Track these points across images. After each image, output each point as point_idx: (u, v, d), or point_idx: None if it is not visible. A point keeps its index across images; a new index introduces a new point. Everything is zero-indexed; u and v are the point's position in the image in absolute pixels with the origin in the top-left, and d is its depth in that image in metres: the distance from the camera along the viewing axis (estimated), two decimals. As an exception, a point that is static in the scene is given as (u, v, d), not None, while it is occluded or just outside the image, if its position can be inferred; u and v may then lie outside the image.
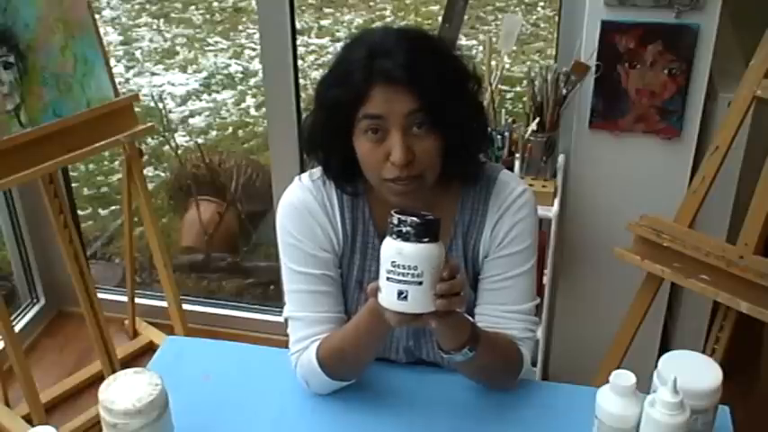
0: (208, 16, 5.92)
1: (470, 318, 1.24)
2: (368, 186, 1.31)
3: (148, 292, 2.87)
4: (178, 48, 5.47)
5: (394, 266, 1.04)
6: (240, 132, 4.51)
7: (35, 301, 2.84)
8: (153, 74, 5.16)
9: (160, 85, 4.97)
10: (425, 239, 1.04)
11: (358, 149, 1.21)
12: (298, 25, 3.30)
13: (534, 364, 2.22)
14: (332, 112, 1.21)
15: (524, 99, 2.18)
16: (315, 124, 1.26)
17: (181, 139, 4.37)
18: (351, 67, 1.17)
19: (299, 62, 2.66)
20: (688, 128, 2.01)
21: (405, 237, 1.04)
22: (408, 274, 1.04)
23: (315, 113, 1.25)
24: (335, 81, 1.20)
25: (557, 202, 2.03)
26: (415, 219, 1.04)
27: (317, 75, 4.85)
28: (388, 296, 1.06)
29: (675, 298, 2.31)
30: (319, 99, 1.23)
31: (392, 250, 1.04)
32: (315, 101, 1.25)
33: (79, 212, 3.34)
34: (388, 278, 1.05)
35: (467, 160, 1.27)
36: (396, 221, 1.04)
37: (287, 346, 1.35)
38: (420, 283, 1.04)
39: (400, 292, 1.04)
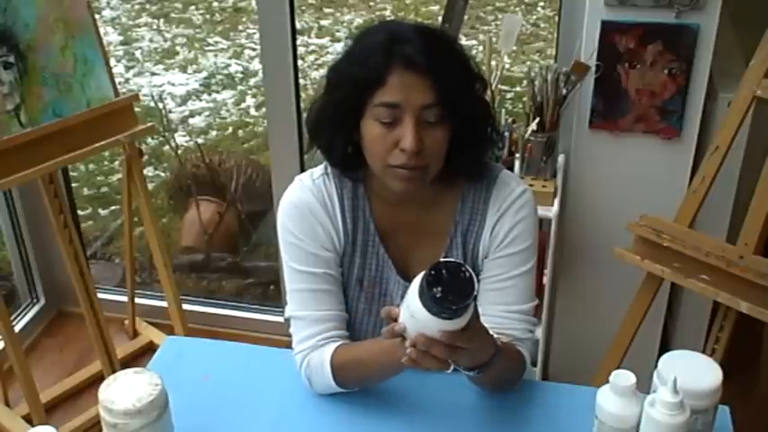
0: (208, 16, 5.92)
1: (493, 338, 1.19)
2: (368, 183, 1.31)
3: (148, 292, 2.87)
4: (178, 48, 5.47)
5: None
6: (240, 132, 4.50)
7: (35, 301, 2.84)
8: (153, 74, 5.16)
9: (160, 85, 4.96)
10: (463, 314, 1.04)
11: (366, 133, 1.21)
12: (298, 25, 3.30)
13: (534, 364, 2.22)
14: (346, 91, 1.21)
15: (524, 99, 2.18)
16: (324, 105, 1.26)
17: (181, 139, 4.36)
18: (370, 50, 1.18)
19: (299, 62, 2.66)
20: (688, 128, 2.01)
21: (446, 316, 1.02)
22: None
23: (324, 96, 1.25)
24: (353, 61, 1.20)
25: (557, 202, 2.03)
26: (464, 304, 1.01)
27: (316, 75, 4.85)
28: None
29: (675, 298, 2.31)
30: (333, 80, 1.24)
31: (434, 322, 1.03)
32: (326, 84, 1.25)
33: (79, 212, 3.34)
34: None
35: (472, 156, 1.27)
36: (453, 308, 1.01)
37: (287, 347, 1.35)
38: None
39: None
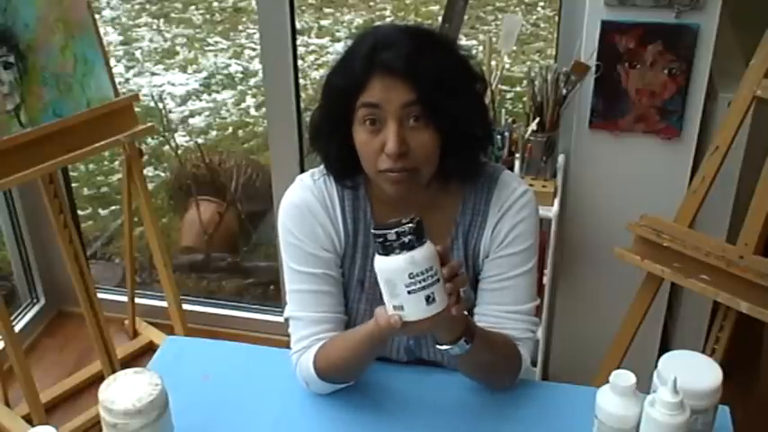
0: (208, 16, 5.92)
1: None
2: (368, 185, 1.31)
3: (148, 292, 2.87)
4: (178, 48, 5.47)
5: (412, 278, 1.03)
6: (240, 132, 4.51)
7: (35, 301, 2.84)
8: (153, 74, 5.16)
9: (160, 85, 4.96)
10: (425, 239, 1.05)
11: (356, 140, 1.22)
12: (298, 25, 3.30)
13: (534, 364, 2.22)
14: (333, 100, 1.23)
15: (524, 99, 2.18)
16: (319, 114, 1.28)
17: (181, 139, 4.37)
18: (354, 59, 1.19)
19: (299, 62, 2.66)
20: (688, 128, 2.01)
21: (410, 246, 1.03)
22: (428, 276, 1.04)
23: (320, 103, 1.27)
24: (339, 71, 1.23)
25: (557, 202, 2.03)
26: (410, 225, 1.03)
27: (317, 75, 4.86)
28: (416, 308, 1.05)
29: (675, 298, 2.31)
30: (324, 88, 1.26)
31: (404, 264, 1.03)
32: (321, 91, 1.27)
33: (79, 212, 3.34)
34: (410, 292, 1.04)
35: (465, 159, 1.27)
36: (394, 236, 1.03)
37: (287, 346, 1.35)
38: (438, 280, 1.05)
39: (428, 297, 1.05)
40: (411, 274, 1.03)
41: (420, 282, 1.04)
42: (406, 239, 1.03)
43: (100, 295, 2.29)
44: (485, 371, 1.31)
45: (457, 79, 1.22)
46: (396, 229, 1.03)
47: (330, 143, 1.27)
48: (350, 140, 1.23)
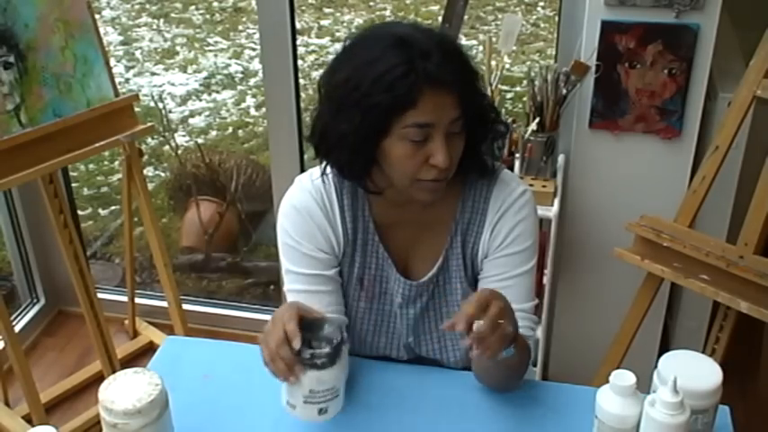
0: (208, 16, 5.92)
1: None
2: (370, 184, 1.31)
3: (148, 292, 2.88)
4: (178, 48, 5.47)
5: (313, 393, 1.09)
6: (240, 132, 4.51)
7: (35, 301, 2.84)
8: (153, 74, 5.16)
9: (160, 85, 4.96)
10: (337, 361, 1.09)
11: (394, 152, 1.19)
12: (298, 25, 3.30)
13: (534, 364, 2.22)
14: (371, 115, 1.16)
15: (524, 99, 2.18)
16: (339, 126, 1.19)
17: (181, 139, 4.36)
18: (393, 71, 1.14)
19: (299, 62, 2.66)
20: (688, 128, 2.01)
21: (321, 367, 1.08)
22: (328, 394, 1.10)
23: (336, 114, 1.20)
24: (375, 82, 1.15)
25: (557, 202, 2.03)
26: (327, 351, 1.07)
27: (316, 75, 4.85)
28: (308, 414, 1.11)
29: (675, 298, 2.31)
30: (346, 100, 1.18)
31: (307, 381, 1.08)
32: (340, 100, 1.19)
33: (79, 212, 3.34)
34: (306, 401, 1.10)
35: (482, 157, 1.29)
36: (308, 356, 1.07)
37: (287, 346, 1.35)
38: (337, 396, 1.11)
39: (321, 410, 1.11)
40: (312, 390, 1.09)
41: (319, 397, 1.10)
42: (318, 361, 1.08)
43: (100, 295, 2.30)
44: (502, 372, 1.29)
45: (478, 82, 1.24)
46: (312, 351, 1.07)
47: (355, 155, 1.22)
48: (375, 150, 1.21)
